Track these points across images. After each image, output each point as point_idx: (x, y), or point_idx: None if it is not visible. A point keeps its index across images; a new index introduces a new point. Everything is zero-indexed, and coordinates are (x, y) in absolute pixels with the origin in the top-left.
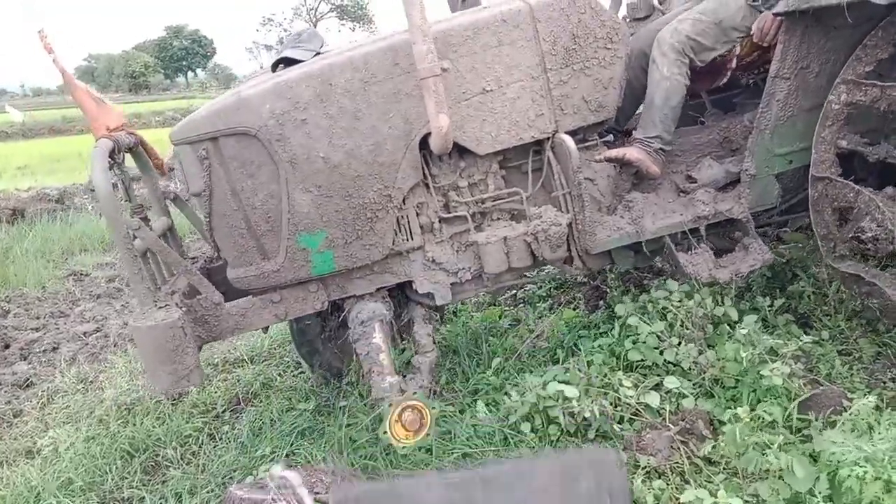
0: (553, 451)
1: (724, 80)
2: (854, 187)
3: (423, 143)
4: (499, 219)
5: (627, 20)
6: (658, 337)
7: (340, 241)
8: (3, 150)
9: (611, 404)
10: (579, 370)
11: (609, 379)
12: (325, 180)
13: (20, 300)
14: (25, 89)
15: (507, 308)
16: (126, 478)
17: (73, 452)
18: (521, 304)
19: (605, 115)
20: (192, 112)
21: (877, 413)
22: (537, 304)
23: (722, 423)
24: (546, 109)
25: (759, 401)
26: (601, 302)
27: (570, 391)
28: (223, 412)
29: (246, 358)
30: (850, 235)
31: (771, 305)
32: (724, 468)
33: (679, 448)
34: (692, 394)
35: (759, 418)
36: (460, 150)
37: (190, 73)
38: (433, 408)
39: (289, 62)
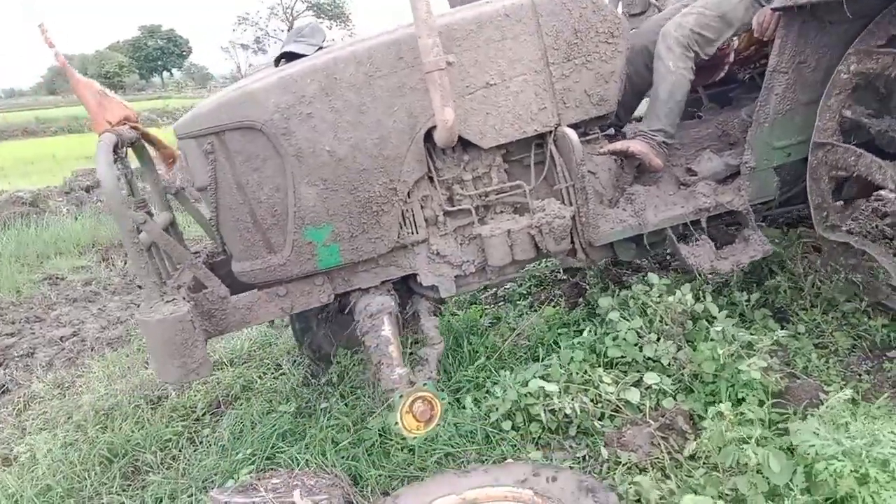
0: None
1: (722, 74)
2: (856, 150)
3: (428, 136)
4: (502, 212)
5: (625, 15)
6: (637, 333)
7: (346, 234)
8: None
9: (591, 401)
10: (560, 367)
11: (589, 375)
12: (330, 174)
13: None
14: None
15: (487, 307)
16: (105, 484)
17: (50, 459)
18: (502, 303)
19: (606, 108)
20: (184, 109)
21: (853, 406)
22: (518, 303)
23: (702, 417)
24: (549, 103)
25: (737, 395)
26: (581, 299)
27: (551, 388)
28: (203, 415)
29: (225, 361)
30: (869, 208)
31: (748, 300)
32: (703, 463)
33: (659, 444)
34: (672, 390)
35: (741, 414)
36: (464, 144)
37: (165, 73)
38: (442, 399)
39: (291, 57)
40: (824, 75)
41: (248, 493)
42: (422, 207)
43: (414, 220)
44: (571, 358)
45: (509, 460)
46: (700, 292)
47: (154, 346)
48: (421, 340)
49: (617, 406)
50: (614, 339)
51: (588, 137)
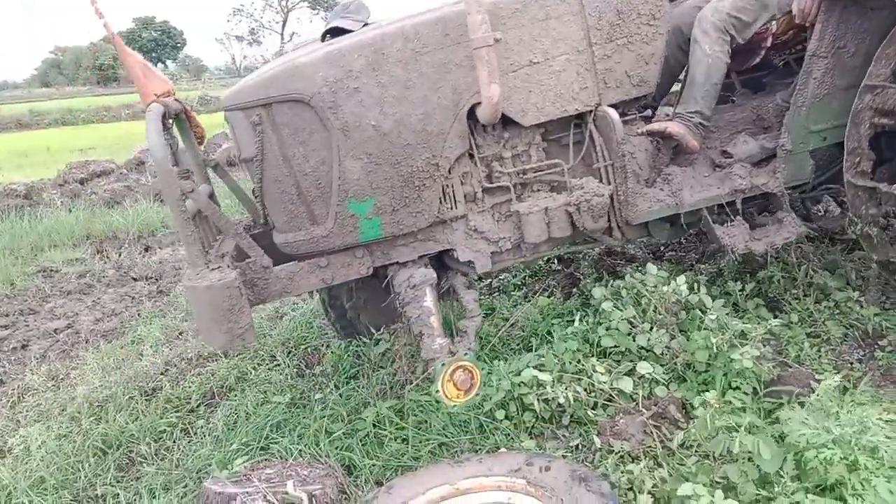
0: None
1: (758, 59)
2: None
3: (470, 113)
4: (539, 190)
5: None
6: (630, 323)
7: (388, 207)
8: None
9: (584, 390)
10: (553, 357)
11: (583, 365)
12: (375, 148)
13: None
14: None
15: (481, 297)
16: (99, 475)
17: (44, 451)
18: (496, 293)
19: (646, 89)
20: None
21: (843, 394)
22: (512, 293)
23: (694, 406)
24: (590, 83)
25: (730, 384)
26: (575, 289)
27: (545, 377)
28: (198, 406)
29: (219, 352)
30: None
31: (742, 290)
32: (695, 451)
33: (652, 432)
34: (665, 379)
35: (728, 403)
36: (504, 122)
37: (160, 65)
38: (482, 368)
39: (336, 32)
40: (863, 61)
41: (241, 483)
42: (461, 184)
43: (454, 195)
44: (565, 348)
45: (503, 450)
46: (695, 283)
47: (201, 312)
48: (459, 314)
49: (610, 395)
50: (607, 328)
51: (626, 118)
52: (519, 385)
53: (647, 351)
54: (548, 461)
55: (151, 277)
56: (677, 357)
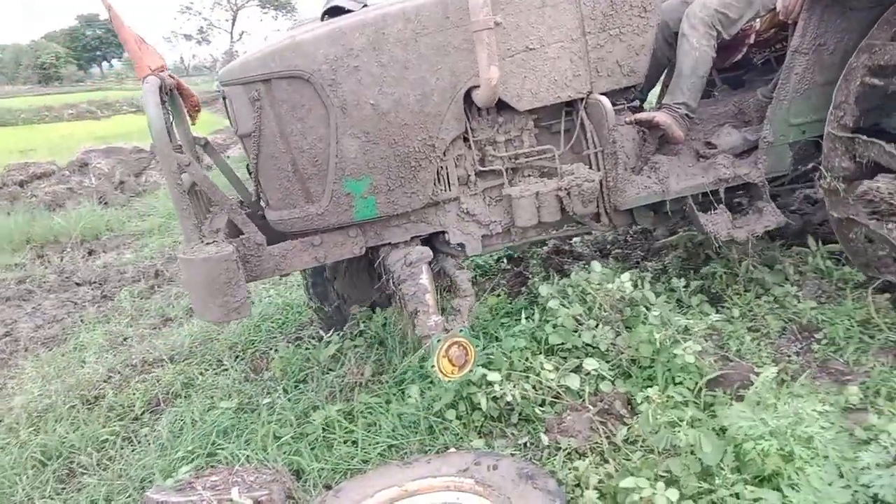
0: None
1: (740, 55)
2: None
3: (466, 97)
4: (529, 175)
5: None
6: (577, 320)
7: (384, 187)
8: None
9: (532, 388)
10: (502, 355)
11: (531, 363)
12: (373, 127)
13: None
14: None
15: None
16: (38, 488)
17: None
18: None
19: (635, 80)
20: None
21: (780, 386)
22: None
23: (639, 402)
24: (583, 70)
25: (673, 379)
26: (523, 288)
27: (493, 376)
28: (142, 414)
29: (166, 358)
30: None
31: (686, 286)
32: (640, 446)
33: (598, 428)
34: (610, 375)
35: (670, 398)
36: (498, 107)
37: (105, 64)
38: (476, 345)
39: (336, 12)
40: (841, 58)
41: (185, 491)
42: (455, 166)
43: (448, 177)
44: (513, 346)
45: (452, 450)
46: (639, 280)
47: (196, 286)
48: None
49: (557, 392)
50: (554, 326)
51: (615, 107)
52: (468, 384)
53: (593, 348)
54: (496, 460)
55: (95, 282)
56: (622, 353)
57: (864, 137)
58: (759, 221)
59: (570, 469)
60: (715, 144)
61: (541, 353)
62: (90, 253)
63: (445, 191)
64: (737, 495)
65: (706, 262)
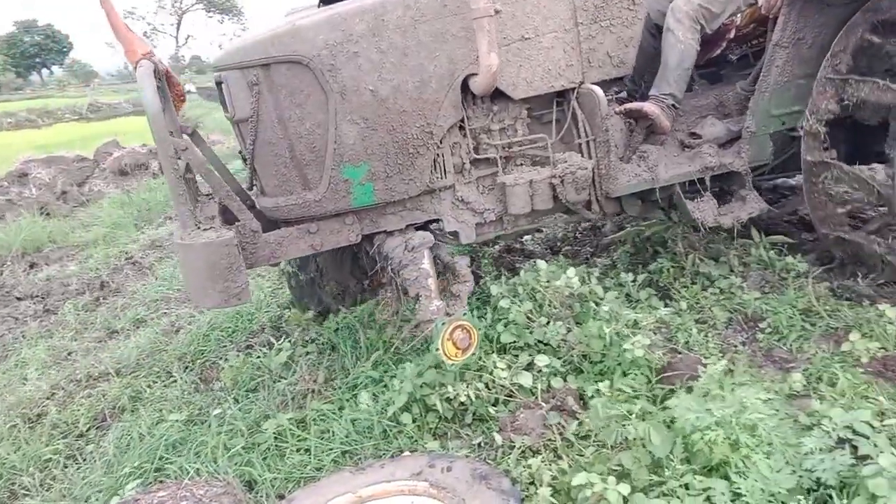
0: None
1: (719, 51)
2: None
3: (463, 85)
4: (521, 164)
5: None
6: (528, 317)
7: (382, 173)
8: None
9: (486, 387)
10: None
11: (483, 362)
12: (371, 113)
13: None
14: None
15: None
16: None
17: None
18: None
19: (624, 70)
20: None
21: (727, 376)
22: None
23: (591, 397)
24: (575, 61)
25: (624, 373)
26: (476, 287)
27: (446, 376)
28: (87, 431)
29: (112, 371)
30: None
31: (634, 281)
32: (593, 441)
33: (551, 425)
34: (562, 371)
35: (620, 391)
36: (493, 95)
37: (45, 71)
38: (478, 329)
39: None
40: (819, 52)
41: None
42: (451, 154)
43: (444, 165)
44: None
45: (406, 453)
46: (586, 275)
47: (195, 271)
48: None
49: (510, 391)
50: (506, 324)
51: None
52: (422, 386)
53: (545, 344)
54: (449, 462)
55: (37, 296)
56: (574, 349)
57: (857, 77)
58: (743, 208)
59: (524, 467)
60: (699, 135)
61: (493, 351)
62: (32, 266)
63: (441, 178)
64: (686, 486)
65: (654, 256)
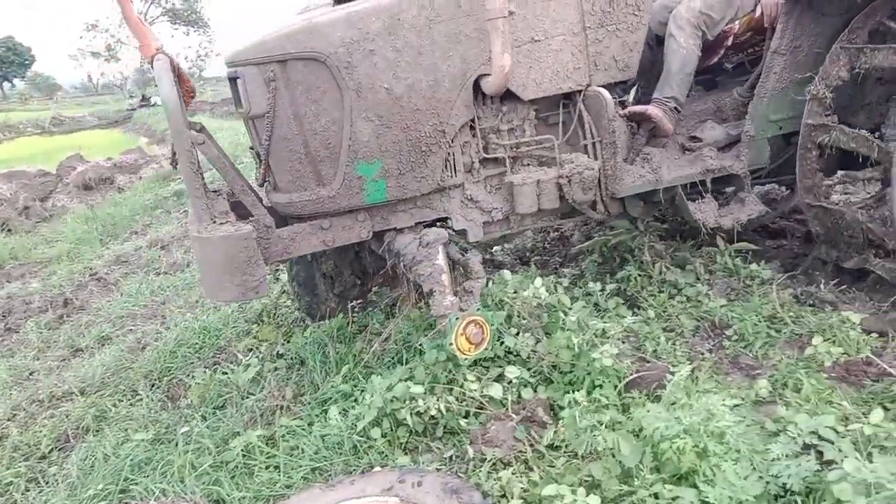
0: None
1: (717, 58)
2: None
3: (474, 85)
4: (528, 164)
5: None
6: (497, 329)
7: (395, 171)
8: None
9: (456, 399)
10: (424, 369)
11: (454, 375)
12: (386, 111)
13: None
14: None
15: (354, 315)
16: None
17: None
18: (369, 309)
19: (629, 74)
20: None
21: (694, 384)
22: (384, 307)
23: (562, 407)
24: (582, 64)
25: (593, 382)
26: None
27: (416, 389)
28: (50, 452)
29: (76, 391)
30: None
31: (602, 290)
32: (564, 452)
33: (522, 437)
34: (532, 381)
35: (595, 401)
36: (503, 96)
37: (6, 84)
38: (491, 324)
39: None
40: (814, 60)
41: None
42: (461, 153)
43: (454, 164)
44: (436, 359)
45: (376, 468)
46: (553, 285)
47: (213, 264)
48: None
49: (481, 403)
50: None
51: None
52: (392, 400)
53: (515, 355)
54: (420, 476)
55: None
56: (543, 359)
57: (872, 45)
58: (742, 210)
59: (495, 480)
60: (700, 138)
61: (463, 364)
62: None
63: (452, 177)
64: (655, 495)
65: (621, 265)
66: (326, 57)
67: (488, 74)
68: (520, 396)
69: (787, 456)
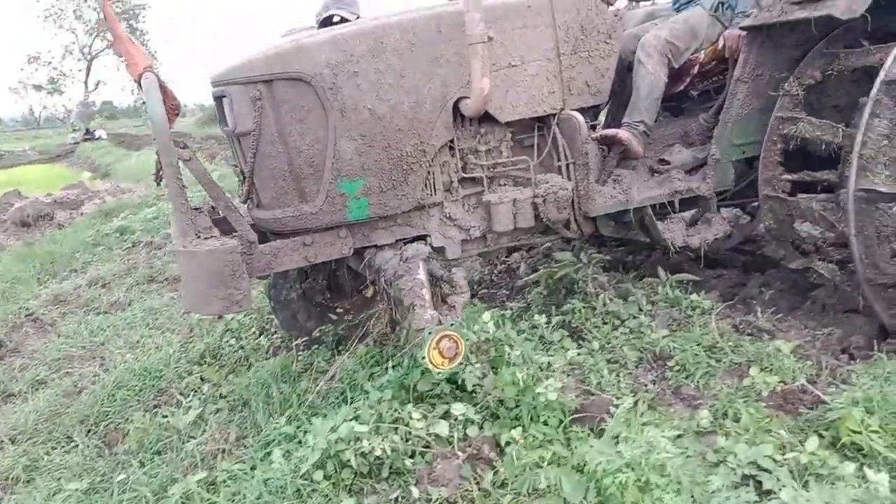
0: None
1: (683, 85)
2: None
3: (454, 107)
4: (504, 184)
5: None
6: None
7: (377, 189)
8: None
9: (402, 439)
10: (369, 408)
11: (399, 413)
12: (369, 130)
13: None
14: None
15: (299, 354)
16: None
17: None
18: (316, 347)
19: (600, 99)
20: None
21: (635, 417)
22: (330, 344)
23: (508, 443)
24: (557, 88)
25: (538, 417)
26: (392, 334)
27: (361, 428)
28: None
29: (5, 438)
30: None
31: (548, 322)
32: (509, 489)
33: (468, 475)
34: (478, 418)
35: (533, 437)
36: (481, 118)
37: None
38: (466, 339)
39: (327, 22)
40: (774, 88)
41: None
42: (441, 172)
43: (434, 183)
44: (380, 397)
45: None
46: (500, 319)
47: (198, 278)
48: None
49: (427, 441)
50: (423, 372)
51: None
52: (336, 441)
53: (462, 391)
54: None
55: None
56: (489, 395)
57: (848, 50)
58: (709, 230)
59: None
60: (668, 161)
61: (409, 401)
62: None
63: (431, 195)
64: None
65: (567, 297)
66: (312, 77)
67: (467, 97)
68: (465, 434)
69: (727, 487)
